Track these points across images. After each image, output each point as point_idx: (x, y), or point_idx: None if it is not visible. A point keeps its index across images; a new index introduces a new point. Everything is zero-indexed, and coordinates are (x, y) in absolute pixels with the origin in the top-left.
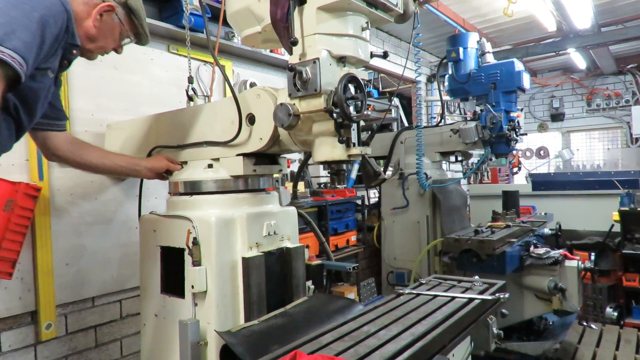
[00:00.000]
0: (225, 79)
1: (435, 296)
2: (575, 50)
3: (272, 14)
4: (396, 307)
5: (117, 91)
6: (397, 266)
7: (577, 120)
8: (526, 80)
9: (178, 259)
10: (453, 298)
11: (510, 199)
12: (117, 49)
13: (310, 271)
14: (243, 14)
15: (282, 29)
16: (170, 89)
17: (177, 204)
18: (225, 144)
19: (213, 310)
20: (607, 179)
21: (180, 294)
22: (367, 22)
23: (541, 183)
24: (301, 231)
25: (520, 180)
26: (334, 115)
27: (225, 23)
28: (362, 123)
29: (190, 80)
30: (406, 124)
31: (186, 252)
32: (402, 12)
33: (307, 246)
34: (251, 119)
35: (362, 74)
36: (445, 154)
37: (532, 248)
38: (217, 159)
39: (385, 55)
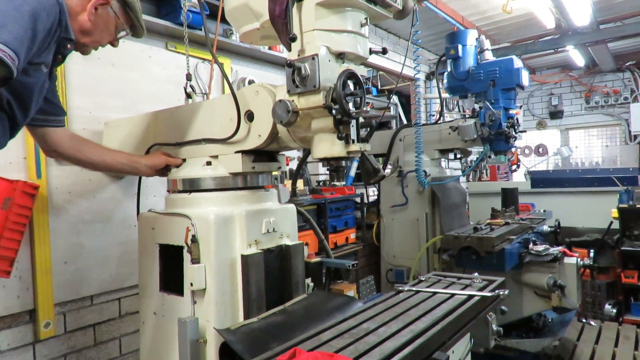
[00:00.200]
0: (224, 75)
1: (435, 293)
2: (573, 48)
3: (270, 10)
4: (396, 304)
5: (115, 89)
6: (396, 264)
7: (576, 118)
8: (525, 77)
9: (177, 257)
10: (452, 295)
11: (509, 197)
12: (113, 42)
13: (309, 269)
14: (241, 10)
15: (281, 25)
16: (169, 86)
17: (176, 202)
18: (223, 141)
19: (212, 308)
20: (605, 176)
21: (179, 291)
22: (366, 18)
23: (540, 180)
24: (300, 229)
25: (519, 178)
26: (333, 111)
27: (224, 20)
28: (361, 120)
29: (189, 77)
30: (405, 122)
31: (185, 250)
32: (401, 8)
33: (307, 244)
34: (250, 116)
35: (361, 71)
36: (444, 152)
37: (531, 245)
38: (215, 157)
39: (384, 52)
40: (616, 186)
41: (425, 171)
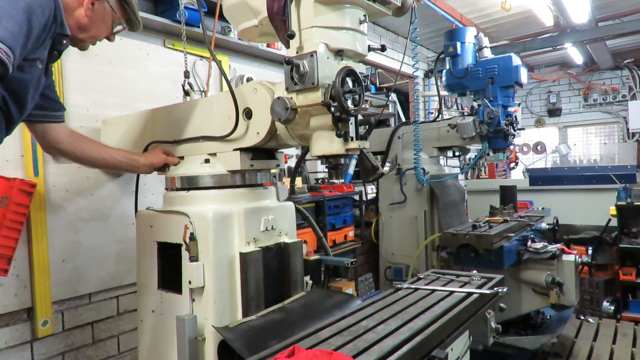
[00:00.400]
0: (222, 72)
1: (434, 290)
2: (572, 45)
3: (268, 7)
4: (394, 302)
5: (113, 86)
6: (395, 261)
7: (574, 116)
8: (524, 75)
9: (175, 255)
10: (451, 292)
11: (507, 194)
12: (110, 37)
13: (308, 266)
14: (239, 7)
15: (279, 22)
16: (167, 84)
17: (174, 200)
18: (222, 138)
19: (210, 305)
20: (604, 174)
21: (178, 289)
22: (364, 15)
23: (538, 178)
24: (299, 226)
25: (517, 175)
26: (332, 109)
27: (222, 17)
28: (360, 117)
29: (187, 75)
30: (404, 119)
31: (183, 248)
32: (399, 5)
33: (305, 241)
34: (248, 114)
35: (359, 68)
36: (442, 149)
37: (529, 243)
38: (214, 154)
39: (383, 49)
40: (614, 184)
41: (423, 169)
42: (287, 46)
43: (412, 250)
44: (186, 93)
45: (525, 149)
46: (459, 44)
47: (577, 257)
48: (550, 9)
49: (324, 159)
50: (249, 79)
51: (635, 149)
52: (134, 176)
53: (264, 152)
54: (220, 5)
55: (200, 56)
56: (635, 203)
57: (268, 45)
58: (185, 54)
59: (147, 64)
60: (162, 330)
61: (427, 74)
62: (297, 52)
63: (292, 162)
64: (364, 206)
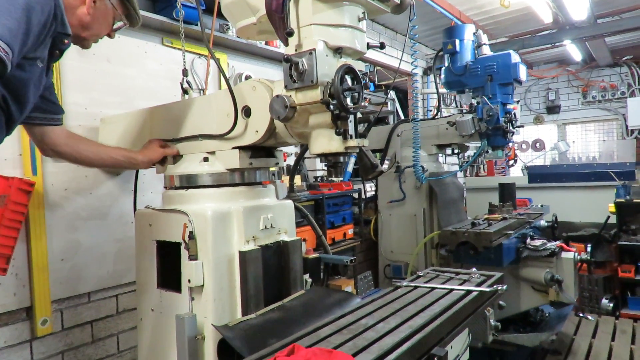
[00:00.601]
0: (221, 70)
1: (433, 288)
2: (571, 42)
3: (267, 5)
4: (394, 300)
5: (111, 85)
6: (394, 259)
7: (573, 113)
8: (522, 72)
9: (174, 254)
10: (451, 290)
11: (506, 192)
12: (110, 34)
13: (307, 264)
14: (238, 4)
15: (278, 19)
16: (165, 82)
17: (173, 198)
18: (220, 137)
19: (210, 304)
20: (602, 171)
21: (177, 288)
22: (363, 13)
23: (537, 175)
24: (298, 225)
25: (516, 173)
26: (331, 107)
27: (220, 15)
28: (359, 115)
29: (185, 73)
30: (402, 117)
31: (182, 247)
32: (398, 2)
33: (304, 240)
34: (247, 112)
35: (358, 66)
36: (441, 147)
37: (528, 240)
38: (212, 152)
39: (382, 46)
40: (613, 181)
41: (422, 166)
42: (286, 44)
43: (411, 248)
44: (184, 91)
45: (524, 146)
46: (457, 42)
47: (576, 254)
48: (549, 6)
49: (323, 157)
50: (247, 77)
51: (634, 146)
52: (133, 175)
53: (262, 150)
54: (219, 3)
55: (199, 54)
56: (634, 200)
57: (267, 43)
58: (183, 52)
59: (145, 62)
60: (161, 329)
61: (426, 72)
62: (295, 50)
63: (291, 160)
64: (363, 204)
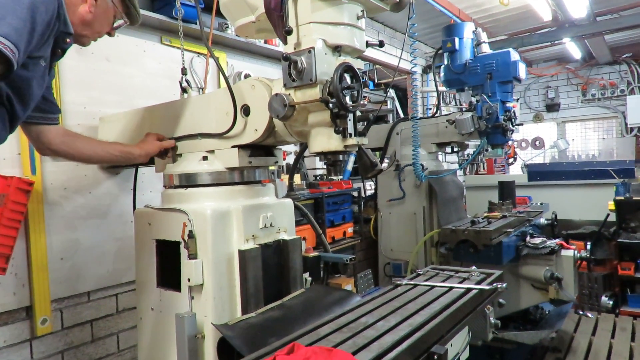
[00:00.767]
0: (220, 69)
1: (433, 287)
2: (570, 40)
3: (266, 3)
4: (394, 298)
5: (110, 83)
6: (394, 257)
7: (573, 111)
8: (522, 70)
9: (174, 252)
10: (451, 288)
11: (506, 190)
12: (110, 32)
13: (307, 263)
14: (236, 3)
15: (277, 18)
16: (164, 81)
17: (172, 197)
18: (220, 135)
19: (210, 303)
20: (602, 169)
21: (177, 287)
22: (362, 11)
23: (537, 173)
24: (298, 223)
25: (516, 171)
26: (330, 105)
27: (219, 14)
28: (358, 113)
29: (184, 71)
30: (402, 116)
31: (182, 245)
32: (397, 0)
33: (304, 238)
34: (246, 110)
35: (357, 64)
36: (441, 145)
37: (528, 238)
38: (212, 151)
39: (381, 44)
40: (613, 178)
41: (422, 165)
42: (285, 42)
43: (411, 246)
44: (183, 90)
45: (523, 144)
46: (457, 40)
47: (576, 252)
48: (548, 4)
49: (323, 155)
50: (246, 76)
51: (634, 143)
52: (132, 174)
53: (262, 149)
54: (217, 2)
55: (198, 53)
56: (634, 198)
57: (266, 42)
58: (182, 51)
59: (144, 61)
60: (161, 328)
61: (426, 70)
62: (294, 49)
63: (290, 159)
64: (362, 202)
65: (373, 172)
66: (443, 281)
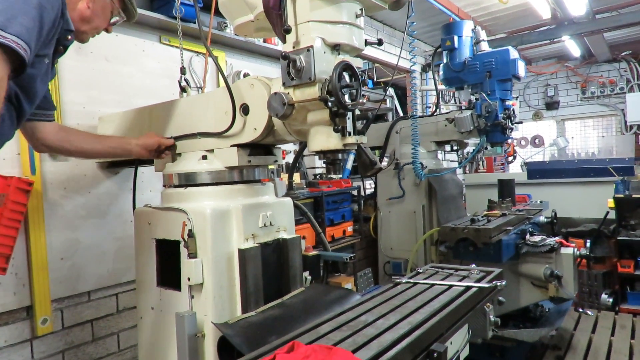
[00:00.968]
0: (218, 68)
1: (433, 285)
2: (569, 38)
3: (264, 2)
4: (394, 296)
5: (109, 83)
6: (394, 256)
7: (572, 109)
8: (521, 68)
9: (174, 252)
10: (450, 286)
11: (505, 188)
12: (108, 28)
13: (307, 262)
14: (235, 2)
15: (275, 16)
16: (163, 80)
17: (172, 196)
18: (219, 134)
19: (210, 302)
20: (601, 167)
21: (177, 286)
22: (361, 9)
23: (536, 171)
24: (297, 222)
25: (515, 169)
26: (329, 103)
27: (218, 13)
28: (357, 112)
29: (183, 71)
30: (401, 114)
31: (182, 245)
32: None
33: (304, 237)
34: (245, 109)
35: (356, 62)
36: (440, 144)
37: (528, 236)
38: (211, 150)
39: (380, 43)
40: (612, 176)
41: (421, 163)
42: (284, 41)
43: (410, 245)
44: (183, 89)
45: (523, 142)
46: (456, 38)
47: (576, 250)
48: (547, 2)
49: (322, 154)
50: (245, 75)
51: (633, 141)
52: (132, 173)
53: (261, 148)
54: (216, 1)
55: (197, 52)
56: (633, 195)
57: (264, 41)
58: (181, 50)
59: (143, 61)
60: (161, 327)
61: (425, 68)
62: (293, 47)
63: (289, 158)
64: (362, 201)
65: (372, 171)
66: (443, 279)
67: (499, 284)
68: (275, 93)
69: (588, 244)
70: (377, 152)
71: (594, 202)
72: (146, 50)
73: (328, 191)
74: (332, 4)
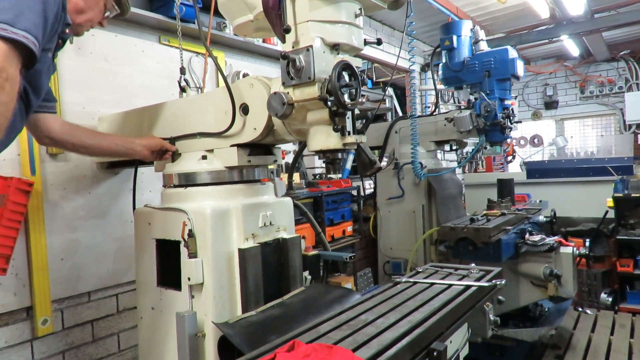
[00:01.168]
0: (218, 68)
1: (432, 284)
2: (568, 37)
3: (264, 2)
4: (393, 296)
5: (108, 83)
6: (394, 256)
7: (571, 108)
8: (520, 67)
9: (174, 252)
10: (450, 285)
11: (505, 187)
12: (102, 22)
13: (306, 262)
14: (234, 2)
15: (275, 16)
16: (162, 80)
17: (172, 196)
18: (219, 134)
19: (210, 302)
20: (601, 166)
21: (177, 286)
22: (360, 9)
23: (535, 171)
24: (297, 222)
25: (514, 169)
26: (329, 103)
27: (217, 13)
28: (356, 111)
29: (183, 71)
30: (400, 114)
31: (182, 245)
32: None
33: (304, 237)
34: (245, 109)
35: (355, 62)
36: (440, 143)
37: (527, 235)
38: (211, 150)
39: (379, 42)
40: (611, 175)
41: (421, 163)
42: (283, 41)
43: (410, 245)
44: (182, 89)
45: (522, 142)
46: (455, 38)
47: (575, 249)
48: (546, 1)
49: (322, 153)
50: (245, 75)
51: (632, 140)
52: (132, 174)
53: (261, 147)
54: (216, 1)
55: (196, 52)
56: (632, 195)
57: (264, 41)
58: (180, 50)
59: (142, 61)
60: (162, 327)
61: (424, 68)
62: (293, 47)
63: (289, 158)
64: (361, 201)
65: (372, 170)
66: (442, 278)
67: (498, 282)
68: (275, 93)
69: (587, 243)
70: (376, 152)
71: (593, 201)
72: (146, 51)
73: (328, 191)
74: (331, 3)
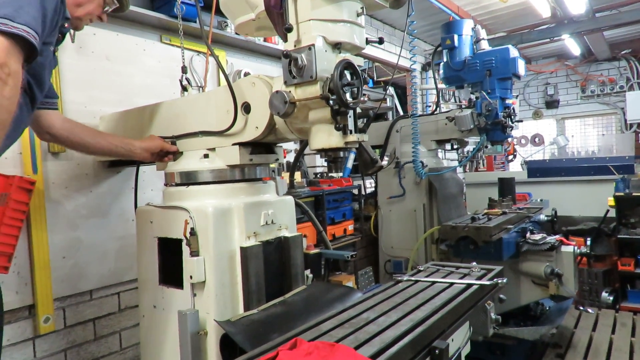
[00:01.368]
0: (220, 67)
1: (434, 282)
2: (569, 37)
3: (265, 1)
4: (395, 294)
5: (110, 83)
6: (395, 255)
7: (572, 107)
8: (521, 66)
9: (176, 250)
10: (451, 284)
11: (506, 186)
12: (102, 16)
13: (308, 260)
14: (236, 1)
15: (276, 15)
16: (164, 79)
17: (174, 195)
18: (220, 133)
19: (212, 300)
20: (602, 165)
21: (179, 284)
22: (362, 8)
23: (536, 170)
24: (299, 221)
25: (515, 168)
26: (331, 102)
27: (219, 12)
28: (358, 110)
29: (184, 70)
30: (401, 113)
31: (184, 243)
32: None
33: (305, 235)
34: (246, 108)
35: (357, 61)
36: (441, 142)
37: (528, 234)
38: (212, 149)
39: (380, 42)
40: (612, 175)
41: (422, 162)
42: (285, 40)
43: (411, 243)
44: (184, 88)
45: (523, 141)
46: (456, 37)
47: (576, 248)
48: (547, 0)
49: (323, 152)
50: (246, 74)
51: (633, 139)
52: (133, 172)
53: (262, 146)
54: (217, 0)
55: (198, 51)
56: (634, 194)
57: (265, 40)
58: (182, 50)
59: (144, 60)
60: (164, 326)
61: (425, 67)
62: (295, 46)
63: (291, 157)
64: (363, 200)
65: (373, 169)
66: (444, 277)
67: (499, 281)
68: (277, 91)
69: (588, 242)
70: (377, 151)
71: (594, 200)
72: (147, 50)
73: (329, 190)
74: (333, 2)
